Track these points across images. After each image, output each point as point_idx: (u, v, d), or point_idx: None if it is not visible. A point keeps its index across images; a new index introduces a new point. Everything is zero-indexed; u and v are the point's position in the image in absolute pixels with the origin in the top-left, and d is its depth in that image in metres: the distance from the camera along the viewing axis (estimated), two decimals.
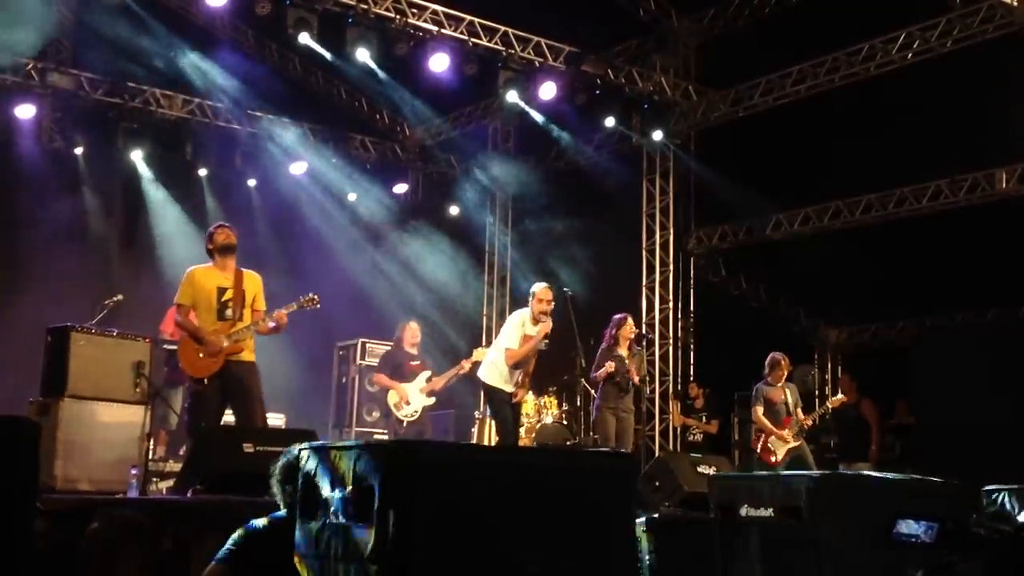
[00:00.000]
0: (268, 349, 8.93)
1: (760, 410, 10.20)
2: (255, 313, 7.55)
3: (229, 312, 7.43)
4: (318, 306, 7.84)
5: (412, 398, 10.18)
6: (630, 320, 10.06)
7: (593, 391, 10.17)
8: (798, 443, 10.07)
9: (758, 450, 10.33)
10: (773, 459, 10.04)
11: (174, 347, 8.41)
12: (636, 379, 9.80)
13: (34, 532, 4.18)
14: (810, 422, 10.28)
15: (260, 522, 4.06)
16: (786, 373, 10.33)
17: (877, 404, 12.39)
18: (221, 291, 7.45)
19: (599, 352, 9.92)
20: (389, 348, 11.19)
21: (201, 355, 7.33)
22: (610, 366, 9.58)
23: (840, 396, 10.88)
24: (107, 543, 4.85)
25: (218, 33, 14.26)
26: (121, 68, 12.98)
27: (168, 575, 4.92)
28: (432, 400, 10.31)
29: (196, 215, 14.08)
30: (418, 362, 10.37)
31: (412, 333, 10.52)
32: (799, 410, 10.22)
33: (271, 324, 7.61)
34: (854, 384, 12.11)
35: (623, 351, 9.77)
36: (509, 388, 8.98)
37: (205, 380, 7.33)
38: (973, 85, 11.76)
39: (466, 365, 10.49)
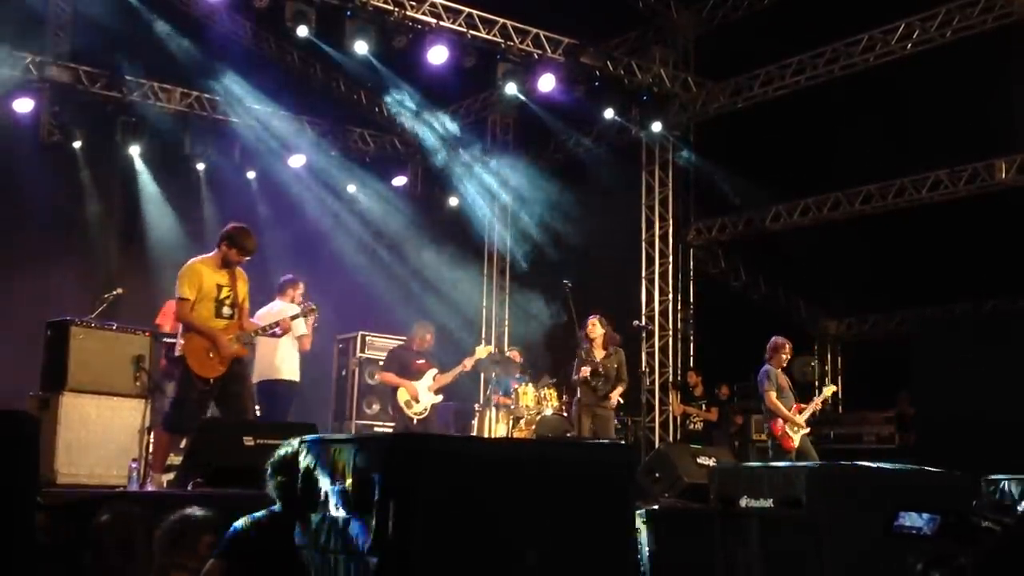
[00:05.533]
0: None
1: (773, 395, 9.77)
2: (243, 311, 7.38)
3: (227, 311, 7.22)
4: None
5: (422, 396, 10.19)
6: (591, 320, 10.06)
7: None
8: (807, 430, 9.88)
9: (778, 436, 10.04)
10: (792, 445, 9.75)
11: (173, 340, 8.39)
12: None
13: (35, 526, 4.18)
14: (819, 406, 10.07)
15: (256, 515, 4.07)
16: (789, 357, 10.03)
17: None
18: (220, 288, 7.22)
19: (577, 354, 10.01)
20: (397, 346, 11.04)
21: (212, 355, 7.08)
22: (585, 371, 9.68)
23: (832, 387, 10.63)
24: (119, 536, 4.85)
25: (216, 26, 14.22)
26: (119, 62, 12.96)
27: None
28: (440, 398, 10.34)
29: (194, 208, 14.06)
30: (424, 360, 10.36)
31: (424, 339, 10.47)
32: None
33: (278, 331, 7.94)
34: None
35: (598, 352, 9.84)
36: None
37: (211, 380, 7.12)
38: (973, 75, 11.73)
39: (468, 363, 10.58)
